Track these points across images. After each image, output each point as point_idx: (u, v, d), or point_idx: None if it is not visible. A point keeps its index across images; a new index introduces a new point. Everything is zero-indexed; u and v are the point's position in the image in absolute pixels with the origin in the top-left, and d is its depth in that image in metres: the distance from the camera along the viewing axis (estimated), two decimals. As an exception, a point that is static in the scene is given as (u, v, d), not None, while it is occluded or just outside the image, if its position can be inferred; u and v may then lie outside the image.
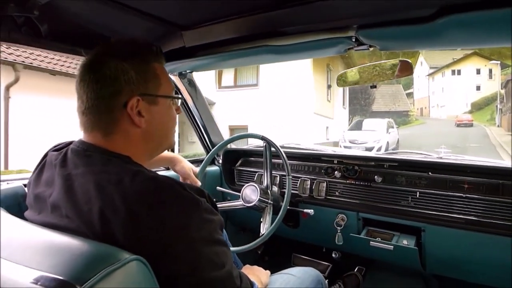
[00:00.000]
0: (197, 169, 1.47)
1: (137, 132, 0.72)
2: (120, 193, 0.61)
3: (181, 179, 1.40)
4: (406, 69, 1.16)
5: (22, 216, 0.76)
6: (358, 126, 14.28)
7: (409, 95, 39.76)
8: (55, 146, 0.81)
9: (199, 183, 1.39)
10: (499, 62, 30.56)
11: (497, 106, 27.00)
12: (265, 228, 1.38)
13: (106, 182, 0.63)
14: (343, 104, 19.12)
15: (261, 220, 1.42)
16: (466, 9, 0.77)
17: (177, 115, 0.84)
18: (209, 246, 0.64)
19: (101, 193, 0.62)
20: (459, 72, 36.37)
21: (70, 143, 0.76)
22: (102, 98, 0.69)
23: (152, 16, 1.03)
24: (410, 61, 1.16)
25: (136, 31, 1.10)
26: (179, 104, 0.84)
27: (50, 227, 0.65)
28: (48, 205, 0.70)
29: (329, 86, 14.67)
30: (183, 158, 1.43)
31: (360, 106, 28.59)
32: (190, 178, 1.38)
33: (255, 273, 1.01)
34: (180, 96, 0.80)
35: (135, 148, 0.73)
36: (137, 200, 0.61)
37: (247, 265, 1.09)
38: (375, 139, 12.22)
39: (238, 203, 1.46)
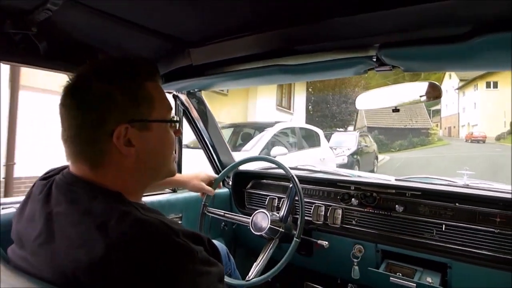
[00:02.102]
0: (206, 175, 1.46)
1: (130, 163, 0.63)
2: (104, 240, 0.52)
3: (200, 195, 1.47)
4: (435, 93, 1.05)
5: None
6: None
7: (436, 112, 32.22)
8: (44, 174, 0.73)
9: (213, 192, 1.46)
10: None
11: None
12: (254, 272, 1.30)
13: (89, 226, 0.54)
14: (283, 105, 12.13)
15: (261, 254, 1.35)
16: (506, 28, 0.68)
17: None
18: None
19: (82, 239, 0.54)
20: (495, 84, 27.15)
21: (61, 170, 0.68)
22: (84, 127, 0.60)
23: (157, 33, 0.96)
24: (438, 84, 1.05)
25: (140, 48, 1.04)
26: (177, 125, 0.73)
27: (26, 272, 0.58)
28: (26, 245, 0.62)
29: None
30: (190, 175, 1.43)
31: (331, 115, 18.43)
32: (205, 190, 1.43)
33: None
34: (176, 118, 0.71)
35: (128, 180, 0.64)
36: (119, 247, 0.52)
37: None
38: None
39: (247, 220, 1.40)
